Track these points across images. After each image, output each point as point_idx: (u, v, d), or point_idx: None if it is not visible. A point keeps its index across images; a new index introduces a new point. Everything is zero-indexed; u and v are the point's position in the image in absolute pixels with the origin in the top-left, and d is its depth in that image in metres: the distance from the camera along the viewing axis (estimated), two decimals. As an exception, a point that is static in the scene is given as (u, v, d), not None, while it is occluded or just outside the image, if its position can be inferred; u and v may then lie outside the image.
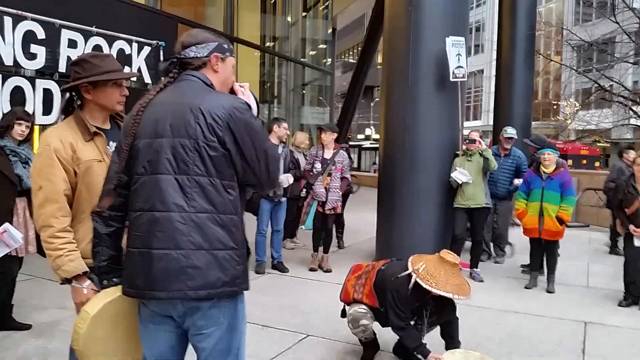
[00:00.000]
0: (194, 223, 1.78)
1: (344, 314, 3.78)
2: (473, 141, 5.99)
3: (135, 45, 4.86)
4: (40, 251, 2.26)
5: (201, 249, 1.78)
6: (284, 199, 6.19)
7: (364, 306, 3.62)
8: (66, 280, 2.14)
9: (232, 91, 2.05)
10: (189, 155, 1.80)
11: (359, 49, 17.69)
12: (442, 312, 3.52)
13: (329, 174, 6.21)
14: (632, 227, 5.03)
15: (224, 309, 1.87)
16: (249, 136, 1.84)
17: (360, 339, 3.75)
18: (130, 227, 1.88)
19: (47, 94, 4.11)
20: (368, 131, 43.71)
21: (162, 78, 2.00)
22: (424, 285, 3.25)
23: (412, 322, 3.51)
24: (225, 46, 2.00)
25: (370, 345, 3.78)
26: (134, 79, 4.88)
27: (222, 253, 1.81)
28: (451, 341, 3.56)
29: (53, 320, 4.25)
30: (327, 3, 19.20)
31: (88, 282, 2.16)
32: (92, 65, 2.24)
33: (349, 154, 7.33)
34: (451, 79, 6.11)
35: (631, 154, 7.35)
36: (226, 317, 1.88)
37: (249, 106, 1.91)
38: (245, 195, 1.97)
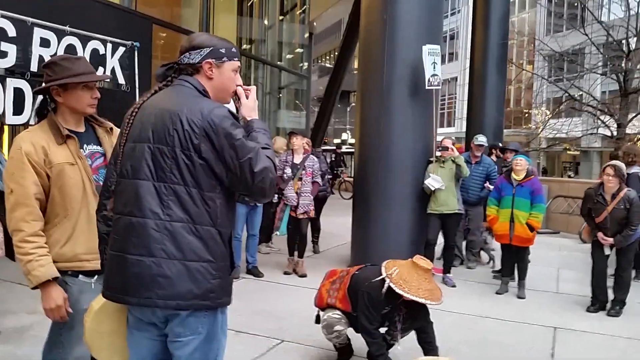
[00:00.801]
0: (167, 231, 1.76)
1: (318, 319, 3.79)
2: (446, 148, 6.08)
3: (109, 45, 4.77)
4: (9, 254, 2.23)
5: (174, 259, 1.75)
6: (259, 204, 6.17)
7: (338, 312, 3.63)
8: (37, 285, 2.11)
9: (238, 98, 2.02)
10: (166, 163, 1.78)
11: (336, 53, 17.77)
12: (416, 318, 3.55)
13: (300, 179, 6.23)
14: (600, 235, 5.16)
15: (203, 319, 1.84)
16: (228, 145, 1.78)
17: (334, 345, 3.76)
18: (112, 229, 1.88)
19: (18, 93, 4.00)
20: (344, 136, 43.86)
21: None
22: (397, 290, 3.29)
23: (384, 329, 3.53)
24: (223, 51, 1.93)
25: (344, 350, 3.79)
26: (108, 80, 4.80)
27: (195, 265, 1.77)
28: (429, 347, 3.59)
29: (22, 325, 4.14)
30: (304, 7, 19.22)
31: (58, 288, 2.13)
32: (63, 67, 2.22)
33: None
34: (426, 87, 6.19)
35: None
36: (205, 327, 1.85)
37: (232, 114, 1.86)
38: (234, 206, 1.94)
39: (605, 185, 5.20)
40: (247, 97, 2.01)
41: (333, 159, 19.89)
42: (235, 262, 6.10)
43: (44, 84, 2.25)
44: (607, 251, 5.24)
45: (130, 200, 1.80)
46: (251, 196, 1.91)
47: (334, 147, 17.21)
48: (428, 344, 3.60)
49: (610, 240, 5.10)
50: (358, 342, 3.84)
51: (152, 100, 1.89)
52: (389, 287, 3.33)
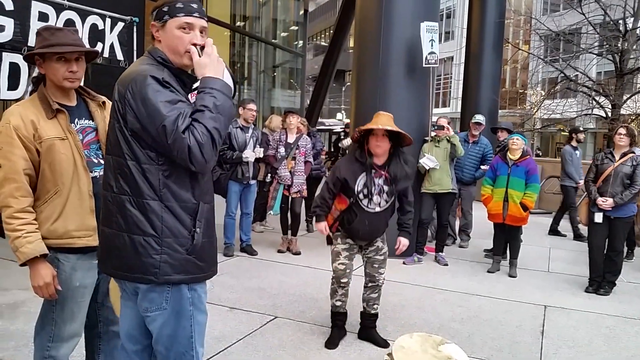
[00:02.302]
0: (117, 205, 1.80)
1: (330, 241, 3.85)
2: (442, 127, 6.08)
3: (108, 20, 4.71)
4: None
5: (122, 231, 1.78)
6: (253, 182, 6.17)
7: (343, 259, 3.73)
8: (26, 262, 2.09)
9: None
10: (113, 136, 1.82)
11: (331, 32, 17.60)
12: (395, 179, 3.55)
13: (293, 158, 6.22)
14: (599, 200, 5.16)
15: (166, 294, 1.81)
16: (145, 112, 1.69)
17: (334, 299, 3.80)
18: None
19: (14, 68, 3.95)
20: (339, 115, 43.73)
21: None
22: (357, 130, 3.54)
23: (362, 195, 3.51)
24: (165, 9, 1.80)
25: (338, 318, 3.83)
26: (106, 54, 4.74)
27: (138, 238, 1.76)
28: (405, 199, 3.75)
29: (15, 301, 4.16)
30: (299, -16, 18.98)
31: (47, 265, 2.12)
32: (42, 38, 2.17)
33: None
34: (424, 65, 6.15)
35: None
36: (169, 303, 1.82)
37: (149, 75, 1.71)
38: (197, 177, 1.83)
39: (616, 144, 5.27)
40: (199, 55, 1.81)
41: (340, 137, 19.58)
42: (229, 240, 6.13)
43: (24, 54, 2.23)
44: (598, 218, 5.25)
45: (104, 175, 1.90)
46: (188, 167, 1.73)
47: (344, 126, 17.02)
48: (404, 197, 3.72)
49: (610, 201, 5.08)
50: (351, 318, 3.89)
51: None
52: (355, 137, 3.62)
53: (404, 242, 3.75)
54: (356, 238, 3.64)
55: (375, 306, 3.83)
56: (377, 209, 3.53)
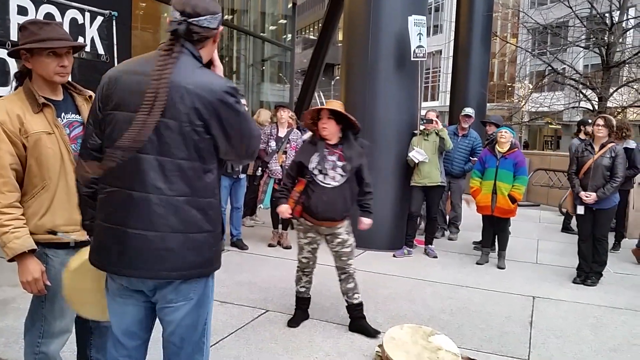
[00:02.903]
0: (172, 206, 1.75)
1: (292, 225, 3.94)
2: (430, 121, 6.10)
3: (87, 14, 4.67)
4: None
5: (177, 232, 1.76)
6: (243, 176, 6.16)
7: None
8: (14, 258, 2.08)
9: (212, 63, 1.92)
10: (172, 138, 1.72)
11: (320, 25, 17.56)
12: (348, 157, 3.65)
13: (284, 152, 6.22)
14: (582, 194, 5.21)
15: (194, 285, 1.86)
16: (237, 123, 1.80)
17: (299, 285, 3.99)
18: (103, 200, 1.83)
19: (1, 63, 3.92)
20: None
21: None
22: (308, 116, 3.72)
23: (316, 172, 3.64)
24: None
25: (302, 303, 4.02)
26: (88, 49, 4.70)
27: (197, 236, 1.80)
28: (363, 181, 3.80)
29: (5, 298, 4.13)
30: (287, -23, 18.89)
31: (35, 260, 2.10)
32: (29, 32, 2.13)
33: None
34: (412, 59, 6.16)
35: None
36: (196, 294, 1.88)
37: (236, 89, 1.81)
38: (220, 174, 1.95)
39: (595, 135, 5.29)
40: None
41: None
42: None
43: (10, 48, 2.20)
44: (580, 210, 5.31)
45: (131, 175, 1.74)
46: (237, 162, 1.99)
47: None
48: (361, 179, 3.78)
49: (593, 196, 5.13)
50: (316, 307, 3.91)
51: (147, 66, 1.75)
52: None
53: (366, 222, 3.85)
54: (316, 216, 3.69)
55: (355, 295, 3.88)
56: (333, 183, 3.64)
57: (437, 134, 6.09)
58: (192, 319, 1.90)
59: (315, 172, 3.65)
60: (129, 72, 1.80)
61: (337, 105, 3.76)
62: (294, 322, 3.92)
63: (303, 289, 4.03)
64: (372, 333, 3.75)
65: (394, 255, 6.12)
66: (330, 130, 3.67)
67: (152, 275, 1.78)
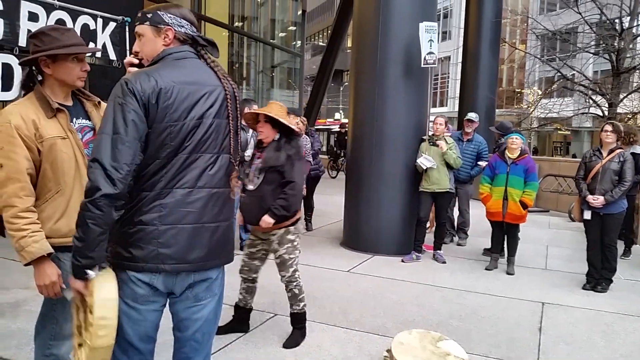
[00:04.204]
0: (229, 198, 1.98)
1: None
2: (436, 145, 6.03)
3: (100, 20, 4.70)
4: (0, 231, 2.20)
5: (229, 220, 2.00)
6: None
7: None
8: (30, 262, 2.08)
9: None
10: (235, 137, 1.96)
11: (329, 32, 17.63)
12: (265, 158, 3.56)
13: (293, 157, 6.23)
14: (589, 198, 5.19)
15: (220, 279, 2.02)
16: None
17: (242, 285, 3.95)
18: (171, 204, 1.80)
19: (7, 69, 3.94)
20: (337, 115, 43.77)
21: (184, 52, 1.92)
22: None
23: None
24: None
25: (236, 311, 3.93)
26: (98, 55, 4.75)
27: (232, 223, 2.05)
28: (283, 189, 3.59)
29: (16, 300, 4.17)
30: (297, -16, 19.00)
31: (52, 264, 2.12)
32: (52, 38, 2.16)
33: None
34: (422, 65, 6.17)
35: None
36: (219, 288, 2.02)
37: None
38: None
39: (603, 141, 5.29)
40: None
41: (336, 138, 19.55)
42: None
43: (31, 55, 2.18)
44: (587, 215, 5.28)
45: (205, 173, 1.88)
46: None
47: (339, 127, 16.74)
48: (285, 179, 3.58)
49: (600, 199, 5.11)
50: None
51: (198, 74, 1.89)
52: None
53: (265, 220, 3.55)
54: (248, 221, 3.75)
55: (294, 307, 3.79)
56: (250, 187, 3.63)
57: (446, 141, 6.10)
58: (215, 314, 2.02)
59: (243, 176, 3.66)
60: (182, 83, 1.81)
61: (275, 108, 3.67)
62: (220, 330, 3.64)
63: (240, 297, 3.93)
64: (284, 344, 3.65)
65: (402, 261, 6.11)
66: (266, 133, 3.63)
67: (227, 259, 2.01)
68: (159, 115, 1.76)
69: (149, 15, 1.90)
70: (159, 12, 1.90)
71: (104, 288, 1.77)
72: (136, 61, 1.97)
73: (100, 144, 1.71)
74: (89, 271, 1.74)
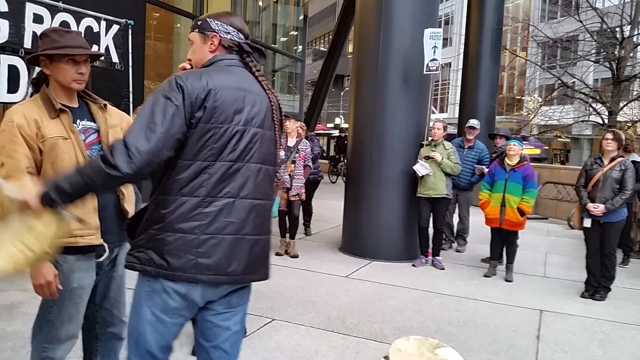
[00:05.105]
0: (270, 211, 1.98)
1: None
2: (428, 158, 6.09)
3: (103, 23, 4.72)
4: None
5: (270, 233, 2.01)
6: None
7: None
8: None
9: None
10: (273, 148, 1.96)
11: (330, 37, 17.67)
12: None
13: (293, 162, 6.25)
14: (589, 206, 5.18)
15: (249, 288, 2.02)
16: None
17: None
18: (213, 213, 1.78)
19: (13, 70, 3.95)
20: (337, 120, 43.82)
21: (239, 61, 1.95)
22: None
23: None
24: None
25: None
26: (102, 58, 4.76)
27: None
28: None
29: (12, 302, 4.16)
30: (299, -11, 19.06)
31: (48, 264, 2.11)
32: (50, 39, 2.18)
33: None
34: (425, 72, 6.18)
35: None
36: (249, 296, 2.03)
37: None
38: None
39: (604, 149, 5.29)
40: None
41: (335, 143, 19.57)
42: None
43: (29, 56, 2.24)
44: (587, 223, 5.28)
45: (249, 184, 1.85)
46: None
47: (339, 131, 16.69)
48: None
49: (601, 207, 5.09)
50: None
51: (246, 82, 1.90)
52: None
53: None
54: None
55: None
56: None
57: (444, 147, 6.11)
58: (243, 323, 2.02)
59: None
60: (231, 87, 1.82)
61: None
62: None
63: None
64: None
65: (413, 265, 6.20)
66: None
67: (264, 275, 1.97)
68: (205, 115, 1.74)
69: (199, 23, 1.94)
70: (208, 19, 1.93)
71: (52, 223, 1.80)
72: (189, 67, 1.99)
73: (133, 128, 1.71)
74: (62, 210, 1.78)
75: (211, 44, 1.91)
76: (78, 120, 2.27)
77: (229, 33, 1.92)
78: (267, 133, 1.91)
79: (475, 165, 6.87)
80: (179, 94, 1.72)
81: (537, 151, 14.77)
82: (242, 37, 1.95)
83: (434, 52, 6.13)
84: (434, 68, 6.19)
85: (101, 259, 2.30)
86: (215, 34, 1.90)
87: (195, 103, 1.73)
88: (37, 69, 2.31)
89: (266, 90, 1.94)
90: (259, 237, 1.88)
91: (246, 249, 1.84)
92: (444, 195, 6.09)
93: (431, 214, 6.25)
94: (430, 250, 6.37)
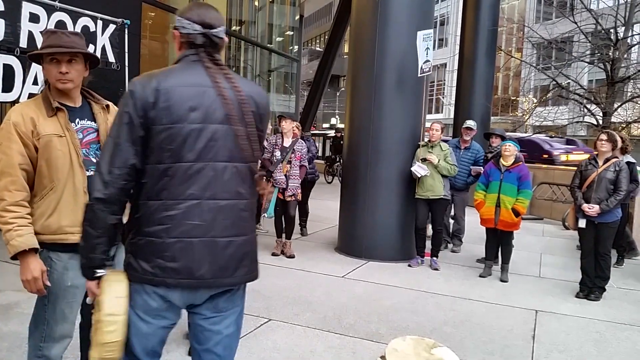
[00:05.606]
0: (250, 210, 1.87)
1: None
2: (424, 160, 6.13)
3: (100, 22, 4.71)
4: None
5: (253, 233, 1.90)
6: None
7: None
8: (16, 256, 2.11)
9: None
10: (244, 144, 1.81)
11: (326, 37, 17.68)
12: None
13: (289, 162, 6.25)
14: (584, 206, 5.21)
15: (241, 292, 1.94)
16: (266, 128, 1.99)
17: None
18: (178, 216, 1.73)
19: (8, 70, 3.94)
20: (333, 120, 43.85)
21: (187, 56, 1.84)
22: None
23: None
24: None
25: None
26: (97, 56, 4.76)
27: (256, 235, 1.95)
28: None
29: (9, 302, 4.15)
30: (294, -11, 19.06)
31: (36, 259, 2.13)
32: (42, 40, 2.28)
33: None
34: (419, 75, 6.21)
35: None
36: (242, 300, 1.94)
37: None
38: None
39: (599, 150, 5.32)
40: None
41: (331, 143, 19.56)
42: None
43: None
44: (581, 223, 5.31)
45: (213, 184, 1.77)
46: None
47: (335, 131, 16.62)
48: None
49: (596, 208, 5.13)
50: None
51: (207, 79, 1.79)
52: None
53: None
54: None
55: None
56: None
57: (441, 148, 6.13)
58: (236, 326, 1.92)
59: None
60: (186, 84, 1.76)
61: None
62: None
63: None
64: None
65: (409, 265, 6.22)
66: None
67: (244, 279, 1.86)
68: (157, 116, 1.70)
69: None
70: (177, 16, 1.89)
71: (113, 286, 1.77)
72: None
73: (103, 149, 1.75)
74: (97, 270, 1.77)
75: (176, 41, 1.89)
76: (77, 119, 2.31)
77: (184, 27, 1.83)
78: (233, 128, 1.78)
79: (472, 167, 6.89)
80: (130, 100, 1.72)
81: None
82: (198, 28, 1.81)
83: (427, 54, 6.16)
84: (427, 69, 6.23)
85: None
86: (175, 30, 1.86)
87: (146, 106, 1.70)
88: (38, 68, 2.37)
89: (223, 83, 1.80)
90: (230, 239, 1.79)
91: (216, 251, 1.76)
92: (442, 196, 6.12)
93: (429, 215, 6.28)
94: (428, 251, 6.39)
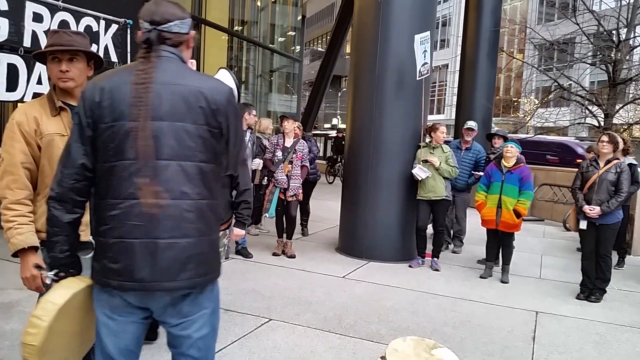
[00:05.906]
0: (199, 210, 1.75)
1: None
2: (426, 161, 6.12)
3: (102, 22, 4.73)
4: None
5: (204, 236, 1.77)
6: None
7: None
8: (17, 253, 2.13)
9: None
10: (193, 141, 1.72)
11: (328, 37, 17.68)
12: None
13: (290, 162, 6.26)
14: (585, 208, 5.22)
15: (208, 293, 1.84)
16: (236, 123, 1.87)
17: None
18: (119, 216, 1.70)
19: (12, 69, 3.97)
20: (335, 120, 43.86)
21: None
22: None
23: None
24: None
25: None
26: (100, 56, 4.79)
27: (214, 237, 1.83)
28: None
29: (10, 301, 4.17)
30: (297, -11, 19.07)
31: (36, 257, 2.15)
32: (47, 40, 2.31)
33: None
34: (417, 78, 6.23)
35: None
36: (210, 302, 1.86)
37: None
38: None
39: (600, 151, 5.33)
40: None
41: (333, 143, 19.57)
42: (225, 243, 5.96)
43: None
44: (582, 225, 5.32)
45: (165, 184, 1.70)
46: (225, 170, 1.92)
47: (336, 132, 16.66)
48: None
49: (597, 209, 5.14)
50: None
51: (143, 75, 1.72)
52: None
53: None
54: None
55: None
56: None
57: (443, 150, 6.13)
58: (209, 328, 1.87)
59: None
60: (124, 82, 1.72)
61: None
62: None
63: None
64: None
65: (410, 266, 6.22)
66: None
67: (189, 284, 1.74)
68: (101, 115, 1.70)
69: None
70: None
71: (56, 290, 1.75)
72: (193, 62, 2.03)
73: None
74: (47, 273, 1.80)
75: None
76: None
77: (140, 26, 1.80)
78: (179, 125, 1.70)
79: (474, 172, 6.89)
80: (81, 101, 1.75)
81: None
82: (147, 26, 1.76)
83: (425, 56, 6.18)
84: (425, 72, 6.27)
85: (87, 256, 2.32)
86: (139, 31, 1.82)
87: (93, 105, 1.72)
88: (42, 68, 2.40)
89: (182, 79, 1.75)
90: (173, 241, 1.69)
91: (157, 254, 1.68)
92: (444, 197, 6.12)
93: (431, 216, 6.28)
94: (429, 252, 6.40)
